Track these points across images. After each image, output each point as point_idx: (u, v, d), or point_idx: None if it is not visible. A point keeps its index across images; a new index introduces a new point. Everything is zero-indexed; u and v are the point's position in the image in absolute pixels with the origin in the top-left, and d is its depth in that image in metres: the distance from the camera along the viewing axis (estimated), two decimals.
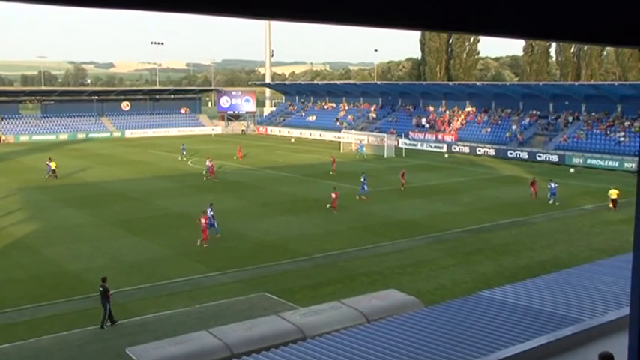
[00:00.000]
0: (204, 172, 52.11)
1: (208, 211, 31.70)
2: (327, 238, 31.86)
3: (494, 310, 11.67)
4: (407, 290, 19.99)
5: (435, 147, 73.67)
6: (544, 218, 37.03)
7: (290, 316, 15.08)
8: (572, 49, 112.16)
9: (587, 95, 68.07)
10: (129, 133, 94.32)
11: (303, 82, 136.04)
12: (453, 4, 2.03)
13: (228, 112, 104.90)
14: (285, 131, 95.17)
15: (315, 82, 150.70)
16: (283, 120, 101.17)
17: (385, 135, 71.60)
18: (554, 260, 27.87)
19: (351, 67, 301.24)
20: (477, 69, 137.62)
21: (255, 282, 25.00)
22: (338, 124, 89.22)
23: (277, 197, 42.99)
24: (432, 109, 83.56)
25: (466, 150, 70.69)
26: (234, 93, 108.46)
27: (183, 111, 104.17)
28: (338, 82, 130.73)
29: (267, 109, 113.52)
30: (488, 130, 72.72)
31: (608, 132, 62.81)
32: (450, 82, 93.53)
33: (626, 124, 62.75)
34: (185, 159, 63.11)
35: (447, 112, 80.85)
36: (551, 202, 41.28)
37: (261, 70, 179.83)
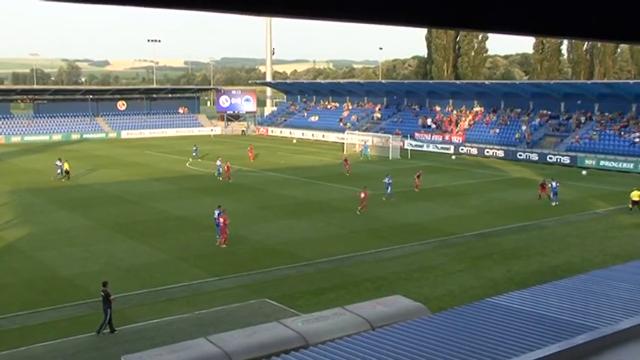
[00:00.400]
0: (216, 174, 53.17)
1: (216, 212, 32.05)
2: (330, 243, 31.87)
3: (504, 318, 11.66)
4: (413, 296, 19.98)
5: (442, 148, 73.66)
6: (555, 222, 37.00)
7: (292, 323, 15.09)
8: (585, 46, 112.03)
9: (600, 94, 68.02)
10: (125, 134, 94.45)
11: (305, 81, 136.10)
12: None
13: (228, 112, 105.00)
14: (286, 132, 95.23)
15: (318, 81, 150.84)
16: (285, 120, 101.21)
17: (390, 136, 71.58)
18: (566, 266, 27.85)
19: (355, 66, 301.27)
20: (485, 67, 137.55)
21: (256, 288, 25.01)
22: (341, 124, 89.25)
23: (279, 200, 43.01)
24: (438, 108, 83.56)
25: (474, 151, 70.66)
26: (234, 92, 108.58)
27: (181, 111, 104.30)
28: (341, 81, 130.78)
29: (268, 109, 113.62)
30: (497, 130, 72.69)
31: (622, 132, 62.75)
32: (458, 81, 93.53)
33: None
34: (199, 160, 63.17)
35: (455, 112, 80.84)
36: (554, 203, 41.62)
37: (262, 69, 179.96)
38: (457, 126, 76.96)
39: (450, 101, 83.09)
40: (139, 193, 45.47)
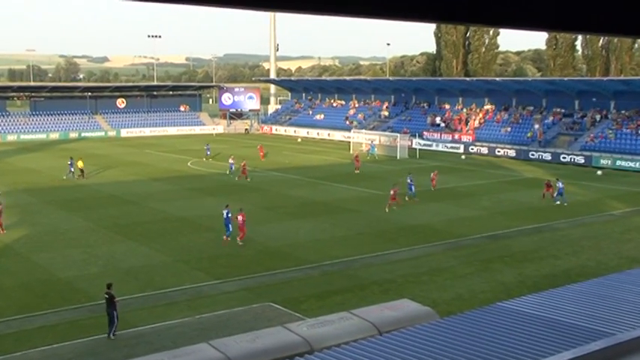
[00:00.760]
0: (228, 172, 53.94)
1: (225, 212, 32.51)
2: (336, 245, 31.89)
3: (515, 323, 11.64)
4: (421, 300, 19.96)
5: (451, 147, 73.60)
6: (569, 224, 36.94)
7: (296, 328, 15.09)
8: (601, 41, 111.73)
9: (616, 91, 67.86)
10: (124, 132, 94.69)
11: (310, 78, 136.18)
12: None
13: (231, 110, 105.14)
14: (291, 130, 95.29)
15: (324, 78, 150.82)
16: (289, 118, 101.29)
17: (398, 135, 71.54)
18: (580, 269, 27.80)
19: (362, 62, 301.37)
20: (496, 64, 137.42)
21: (260, 291, 25.04)
22: (347, 122, 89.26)
23: (283, 200, 43.03)
24: (448, 106, 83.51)
25: (484, 151, 70.58)
26: (236, 90, 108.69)
27: (182, 109, 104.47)
28: (347, 78, 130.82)
29: (272, 107, 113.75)
30: (509, 129, 72.59)
31: (639, 131, 62.58)
32: (468, 78, 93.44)
33: None
34: (212, 159, 63.27)
35: (464, 110, 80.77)
36: (558, 202, 41.72)
37: (266, 66, 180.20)
38: (467, 124, 76.87)
39: (460, 99, 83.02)
40: (139, 194, 45.57)
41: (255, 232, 33.78)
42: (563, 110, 71.62)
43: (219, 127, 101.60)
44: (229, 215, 32.40)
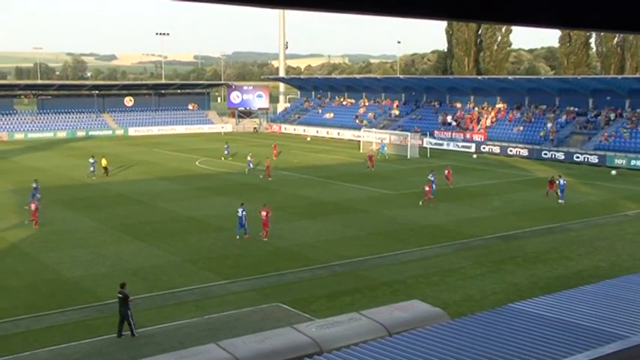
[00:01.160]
0: (247, 171, 54.73)
1: (240, 210, 32.91)
2: (345, 245, 31.89)
3: (527, 324, 11.62)
4: (431, 301, 19.95)
5: (463, 147, 73.45)
6: (582, 224, 36.81)
7: (305, 329, 15.11)
8: (616, 39, 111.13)
9: (631, 90, 67.52)
10: (132, 131, 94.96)
11: (319, 77, 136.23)
12: None
13: (240, 109, 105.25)
14: (300, 129, 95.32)
15: (333, 76, 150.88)
16: (298, 117, 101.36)
17: (408, 134, 71.48)
18: (593, 270, 27.71)
19: (372, 60, 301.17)
20: (509, 62, 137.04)
21: (269, 291, 25.08)
22: (357, 121, 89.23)
23: (292, 200, 43.07)
24: (459, 105, 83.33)
25: (496, 150, 70.40)
26: (245, 88, 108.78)
27: (190, 107, 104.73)
28: (357, 76, 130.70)
29: (281, 106, 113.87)
30: (521, 128, 72.36)
31: None
32: (480, 77, 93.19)
33: None
34: (231, 159, 63.37)
35: (476, 108, 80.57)
36: (561, 201, 42.19)
37: (275, 64, 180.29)
38: (479, 123, 76.68)
39: (472, 97, 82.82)
40: (147, 193, 45.71)
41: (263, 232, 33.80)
42: (576, 109, 71.33)
43: (227, 126, 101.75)
44: (244, 214, 32.81)
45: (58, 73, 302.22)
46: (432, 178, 44.16)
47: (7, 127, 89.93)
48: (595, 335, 10.87)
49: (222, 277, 26.83)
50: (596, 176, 54.25)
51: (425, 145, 72.75)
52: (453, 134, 76.49)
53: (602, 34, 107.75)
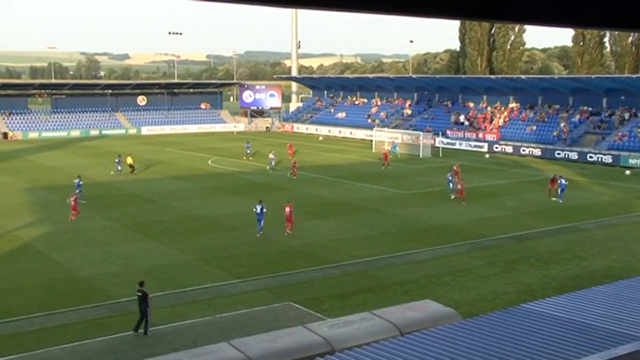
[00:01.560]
0: (268, 168, 55.45)
1: (258, 207, 33.37)
2: (357, 244, 31.87)
3: (540, 325, 11.57)
4: (443, 301, 19.92)
5: (475, 146, 73.23)
6: (596, 225, 36.61)
7: (317, 328, 15.12)
8: (630, 38, 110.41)
9: None
10: (145, 130, 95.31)
11: (332, 76, 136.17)
12: None
13: (252, 108, 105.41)
14: (312, 129, 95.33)
15: (345, 75, 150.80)
16: (311, 116, 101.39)
17: (421, 133, 71.35)
18: (607, 271, 27.56)
19: (384, 60, 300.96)
20: (522, 61, 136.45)
21: (280, 290, 25.10)
22: (370, 121, 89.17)
23: (304, 200, 43.05)
24: (472, 105, 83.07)
25: (509, 150, 70.14)
26: (258, 87, 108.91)
27: (203, 106, 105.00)
28: (370, 75, 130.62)
29: (294, 105, 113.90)
30: (534, 128, 72.08)
31: None
32: (492, 76, 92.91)
33: None
34: (252, 158, 63.51)
35: (489, 108, 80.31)
36: (560, 200, 42.29)
37: (287, 63, 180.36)
38: (491, 123, 76.42)
39: (484, 97, 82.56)
40: (160, 192, 45.85)
41: (275, 231, 33.86)
42: (590, 109, 70.97)
43: (240, 125, 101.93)
44: (264, 210, 33.22)
45: (71, 72, 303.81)
46: (451, 177, 44.99)
47: (22, 126, 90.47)
48: (608, 336, 10.82)
49: (235, 276, 26.88)
50: (610, 176, 53.94)
51: (437, 144, 72.58)
52: (466, 134, 76.28)
53: (616, 33, 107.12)
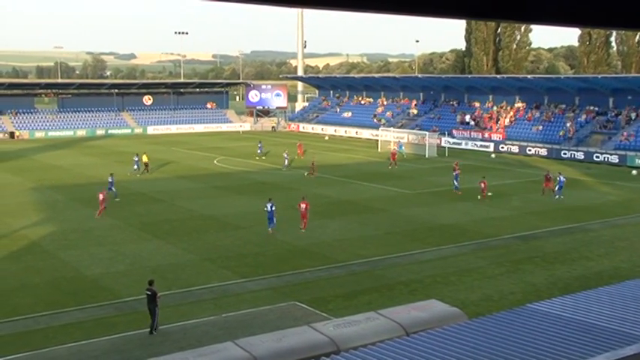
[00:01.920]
0: (282, 168, 55.88)
1: (269, 205, 33.64)
2: (363, 244, 31.86)
3: (545, 325, 11.55)
4: (449, 301, 19.88)
5: (481, 146, 73.13)
6: (602, 225, 36.50)
7: (323, 328, 15.11)
8: (637, 37, 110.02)
9: None
10: (151, 129, 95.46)
11: (338, 76, 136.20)
12: None
13: (258, 108, 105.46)
14: (318, 128, 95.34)
15: (351, 75, 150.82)
16: (317, 116, 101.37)
17: (427, 133, 71.30)
18: (613, 271, 27.48)
19: (390, 60, 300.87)
20: (528, 61, 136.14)
21: (286, 290, 25.11)
22: (375, 120, 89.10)
23: (310, 199, 42.81)
24: (477, 104, 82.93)
25: (515, 149, 70.02)
26: (263, 87, 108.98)
27: (209, 106, 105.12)
28: (376, 75, 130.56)
29: (300, 105, 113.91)
30: (540, 127, 71.91)
31: None
32: (498, 76, 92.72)
33: None
34: (264, 157, 63.53)
35: (495, 108, 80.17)
36: (557, 197, 42.59)
37: (293, 63, 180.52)
38: (497, 123, 76.29)
39: (490, 97, 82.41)
40: (166, 192, 45.91)
41: (280, 231, 33.88)
42: (596, 108, 70.77)
43: (246, 125, 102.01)
44: (273, 209, 33.53)
45: (78, 72, 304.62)
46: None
47: (28, 125, 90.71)
48: (614, 337, 10.78)
49: (240, 276, 26.90)
50: (617, 176, 53.78)
51: (443, 144, 72.51)
52: (472, 133, 76.18)
53: (622, 32, 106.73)
